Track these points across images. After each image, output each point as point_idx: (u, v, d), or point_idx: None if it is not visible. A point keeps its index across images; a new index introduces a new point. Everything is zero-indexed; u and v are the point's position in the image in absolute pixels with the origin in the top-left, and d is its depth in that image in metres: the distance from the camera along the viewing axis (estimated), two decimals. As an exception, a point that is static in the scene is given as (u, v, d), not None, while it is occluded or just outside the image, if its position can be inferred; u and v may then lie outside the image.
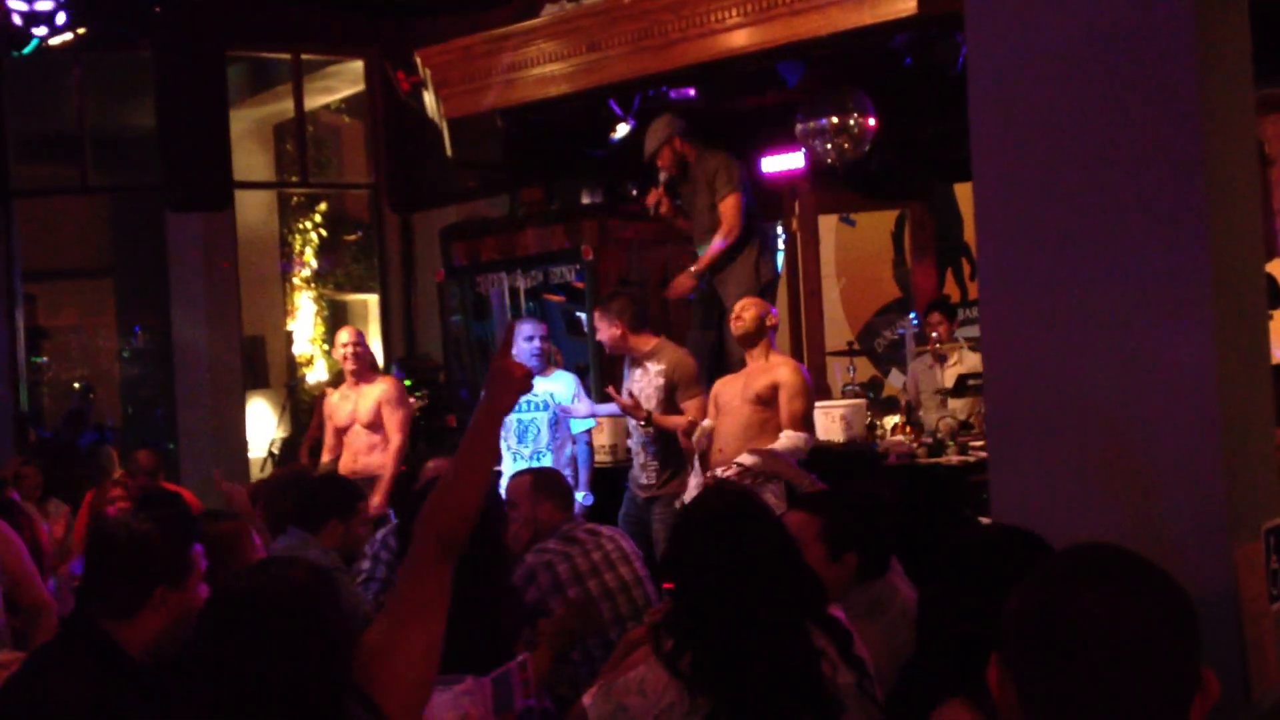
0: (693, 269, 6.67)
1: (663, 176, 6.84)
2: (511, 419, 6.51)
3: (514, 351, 6.50)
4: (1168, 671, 1.46)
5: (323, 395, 7.93)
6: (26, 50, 8.64)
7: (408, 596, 2.27)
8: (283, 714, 2.01)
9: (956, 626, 2.21)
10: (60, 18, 7.59)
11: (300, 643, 2.05)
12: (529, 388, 2.41)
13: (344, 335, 7.20)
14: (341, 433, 7.12)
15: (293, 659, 2.04)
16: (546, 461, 6.30)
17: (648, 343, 6.19)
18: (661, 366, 6.10)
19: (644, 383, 6.13)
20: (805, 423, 5.65)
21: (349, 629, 2.19)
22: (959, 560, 2.33)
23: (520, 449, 6.53)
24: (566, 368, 7.11)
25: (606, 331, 6.18)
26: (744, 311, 5.81)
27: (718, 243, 6.56)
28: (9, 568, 3.93)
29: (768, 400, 5.65)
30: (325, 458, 7.18)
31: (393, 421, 7.00)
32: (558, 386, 6.54)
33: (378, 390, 7.08)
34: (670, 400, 6.08)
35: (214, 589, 2.27)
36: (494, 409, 2.35)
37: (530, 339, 6.52)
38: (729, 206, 6.57)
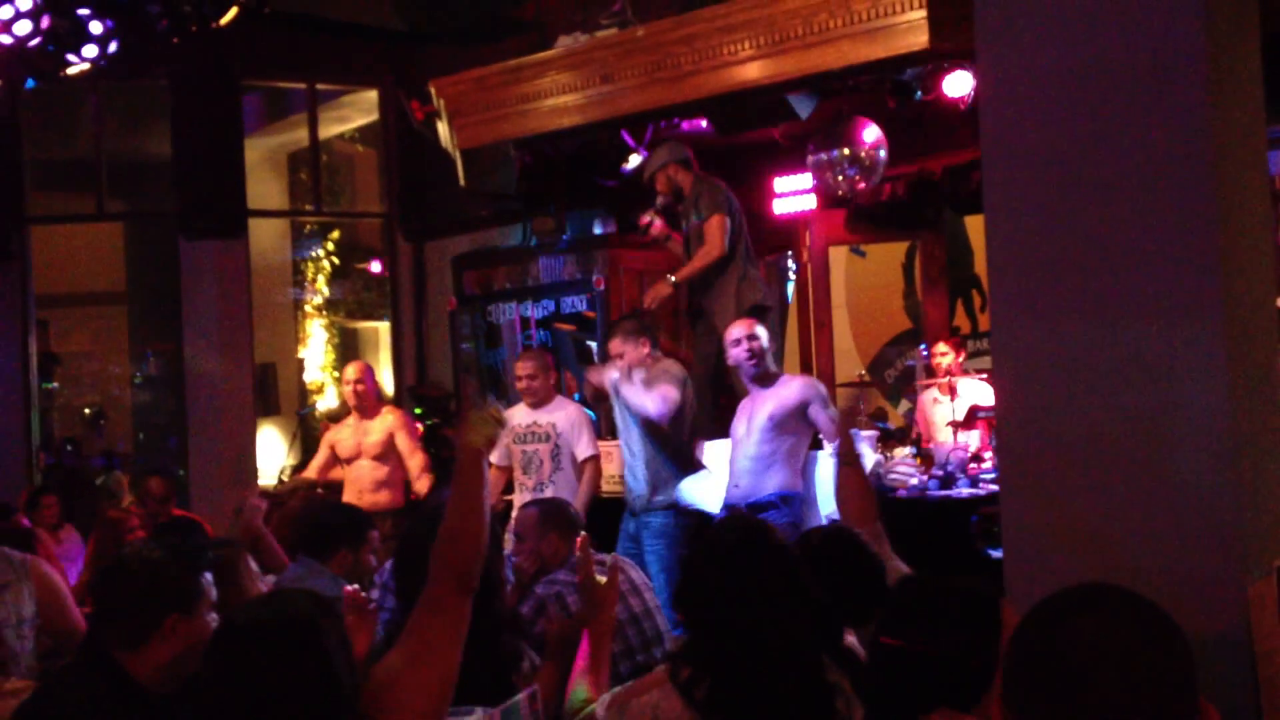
0: (672, 276, 6.83)
1: (659, 200, 7.07)
2: (516, 449, 6.59)
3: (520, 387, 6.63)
4: (1164, 702, 1.48)
5: (325, 428, 8.03)
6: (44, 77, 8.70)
7: (425, 631, 2.31)
8: None
9: (909, 679, 2.16)
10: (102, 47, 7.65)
11: (303, 673, 2.07)
12: (502, 424, 2.62)
13: (350, 371, 7.31)
14: (344, 463, 7.16)
15: (296, 689, 2.05)
16: (549, 492, 6.30)
17: (659, 363, 6.28)
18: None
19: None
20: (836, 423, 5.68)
21: (353, 659, 2.20)
22: (905, 612, 2.27)
23: (524, 480, 6.57)
24: (579, 395, 7.18)
25: (636, 352, 6.20)
26: (750, 342, 5.82)
27: (698, 259, 6.80)
28: (46, 610, 3.89)
29: (781, 424, 5.66)
30: (312, 475, 7.22)
31: (408, 444, 7.16)
32: (559, 418, 6.57)
33: (386, 422, 7.14)
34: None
35: (221, 620, 2.29)
36: (464, 446, 2.54)
37: (519, 379, 6.65)
38: (712, 226, 6.79)
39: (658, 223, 7.12)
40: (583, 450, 6.54)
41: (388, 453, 7.12)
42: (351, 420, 7.26)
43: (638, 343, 6.21)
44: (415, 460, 7.16)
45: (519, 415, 6.66)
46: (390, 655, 2.30)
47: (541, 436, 6.57)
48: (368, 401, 7.20)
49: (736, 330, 5.99)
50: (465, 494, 2.46)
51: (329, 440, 7.30)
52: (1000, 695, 1.57)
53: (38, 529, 6.66)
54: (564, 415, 6.58)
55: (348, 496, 7.02)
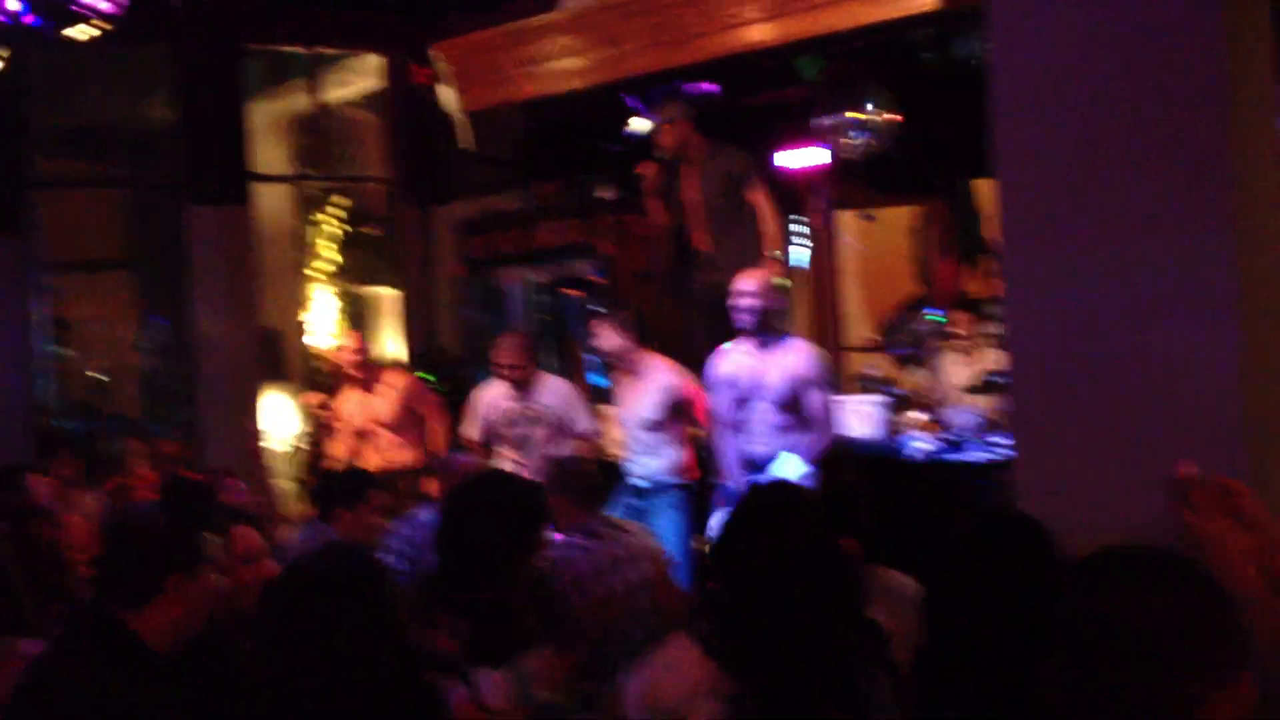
0: (771, 253, 6.62)
1: (661, 153, 6.76)
2: (507, 432, 6.57)
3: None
4: (1214, 672, 1.45)
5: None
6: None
7: None
8: (357, 691, 2.02)
9: (963, 620, 2.18)
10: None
11: (363, 620, 2.07)
12: None
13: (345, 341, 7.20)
14: (359, 435, 7.07)
15: (355, 636, 2.05)
16: None
17: (646, 358, 6.25)
18: (660, 383, 6.14)
19: (640, 395, 6.20)
20: (829, 411, 5.62)
21: (401, 613, 2.20)
22: (959, 553, 2.31)
23: (520, 459, 6.52)
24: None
25: (615, 340, 6.17)
26: (764, 288, 5.62)
27: (770, 224, 6.64)
28: None
29: (791, 397, 5.55)
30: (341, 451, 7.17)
31: (434, 414, 6.93)
32: (548, 398, 6.54)
33: (393, 392, 6.98)
34: (675, 410, 6.16)
35: (283, 571, 2.29)
36: None
37: (501, 369, 6.51)
38: (764, 197, 6.65)
39: (658, 177, 6.80)
40: (582, 425, 6.52)
41: (403, 421, 7.02)
42: (354, 394, 7.14)
43: (621, 333, 6.21)
44: (438, 428, 7.00)
45: (503, 396, 6.58)
46: None
47: (533, 419, 6.54)
48: (364, 370, 7.04)
49: (752, 284, 5.66)
50: None
51: (339, 417, 7.20)
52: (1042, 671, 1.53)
53: (51, 482, 6.55)
54: (552, 394, 6.56)
55: (371, 459, 6.91)
